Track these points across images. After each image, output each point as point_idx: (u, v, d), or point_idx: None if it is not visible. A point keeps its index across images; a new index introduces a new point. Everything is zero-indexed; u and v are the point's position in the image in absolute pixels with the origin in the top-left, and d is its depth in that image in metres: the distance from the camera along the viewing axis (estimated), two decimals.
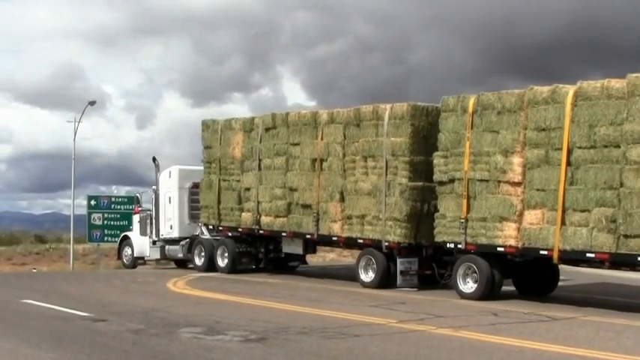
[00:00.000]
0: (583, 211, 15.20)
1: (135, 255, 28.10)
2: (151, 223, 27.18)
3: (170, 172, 26.96)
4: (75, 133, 41.88)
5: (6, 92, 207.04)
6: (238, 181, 23.83)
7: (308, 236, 21.77)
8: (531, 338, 11.21)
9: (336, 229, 20.67)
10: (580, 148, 15.36)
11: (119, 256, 29.42)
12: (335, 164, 20.80)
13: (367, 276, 19.88)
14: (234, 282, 20.74)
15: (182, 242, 26.27)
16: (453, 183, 17.86)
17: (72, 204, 44.11)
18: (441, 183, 18.16)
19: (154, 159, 27.59)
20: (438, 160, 18.20)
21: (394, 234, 19.18)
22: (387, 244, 19.37)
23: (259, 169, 22.96)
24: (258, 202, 22.94)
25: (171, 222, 26.49)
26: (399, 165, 19.27)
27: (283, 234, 22.55)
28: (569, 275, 21.15)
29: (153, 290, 19.04)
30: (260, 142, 22.97)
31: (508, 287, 17.93)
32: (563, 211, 15.50)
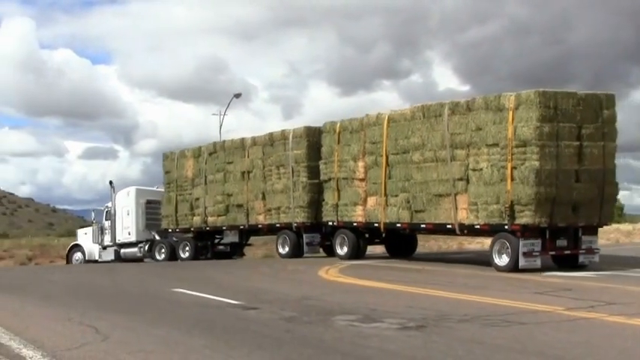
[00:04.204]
0: (395, 196, 20.43)
1: (86, 259, 31.17)
2: (102, 233, 30.86)
3: (129, 192, 30.87)
4: (220, 126, 41.53)
5: (150, 89, 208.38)
6: (190, 194, 28.65)
7: (241, 227, 27.01)
8: None
9: (261, 219, 25.96)
10: (392, 154, 20.51)
11: (68, 260, 32.07)
12: (258, 174, 26.00)
13: (284, 250, 25.09)
14: (389, 269, 19.29)
15: (140, 245, 30.04)
16: (330, 181, 23.08)
17: None
18: (325, 181, 23.46)
19: (111, 182, 31.18)
20: (322, 165, 23.53)
21: (300, 217, 24.34)
22: (295, 224, 24.55)
23: (205, 183, 28.06)
24: (205, 207, 27.80)
25: (129, 230, 30.18)
26: (301, 169, 24.49)
27: (224, 228, 27.68)
28: None
29: (304, 278, 17.44)
30: (205, 163, 28.11)
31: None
32: (386, 197, 20.75)
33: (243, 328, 9.75)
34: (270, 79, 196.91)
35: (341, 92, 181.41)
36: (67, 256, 32.63)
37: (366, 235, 23.12)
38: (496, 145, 17.40)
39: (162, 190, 31.08)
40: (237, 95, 40.88)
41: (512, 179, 16.95)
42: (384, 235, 22.93)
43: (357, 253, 22.71)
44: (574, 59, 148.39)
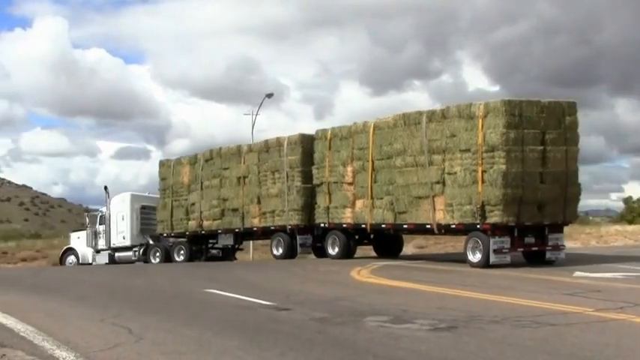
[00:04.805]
0: (380, 199, 22.12)
1: (80, 262, 32.21)
2: (96, 237, 32.01)
3: (123, 197, 32.04)
4: (253, 126, 41.33)
5: (183, 89, 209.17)
6: (186, 199, 30.06)
7: (237, 230, 28.46)
8: None
9: (256, 222, 27.46)
10: (377, 159, 22.24)
11: (61, 262, 33.07)
12: (253, 179, 27.55)
13: (278, 251, 26.58)
14: (421, 270, 19.46)
15: (135, 249, 31.11)
16: (322, 185, 24.72)
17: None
18: (317, 185, 25.10)
19: (106, 187, 32.31)
20: (314, 170, 25.17)
21: (294, 219, 25.87)
22: (290, 227, 26.06)
23: (201, 188, 29.60)
24: (201, 212, 29.23)
25: (124, 234, 31.29)
26: (295, 174, 26.06)
27: (219, 231, 28.90)
28: None
29: (336, 279, 17.53)
30: (201, 170, 29.71)
31: None
32: (372, 200, 22.43)
33: (275, 329, 9.83)
34: (302, 79, 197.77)
35: (372, 92, 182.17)
36: (61, 259, 33.59)
37: (356, 237, 24.69)
38: (468, 150, 19.09)
39: (155, 195, 32.40)
40: (269, 95, 40.89)
41: (483, 182, 18.66)
42: (371, 235, 24.48)
43: (347, 253, 24.31)
44: (602, 59, 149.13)
